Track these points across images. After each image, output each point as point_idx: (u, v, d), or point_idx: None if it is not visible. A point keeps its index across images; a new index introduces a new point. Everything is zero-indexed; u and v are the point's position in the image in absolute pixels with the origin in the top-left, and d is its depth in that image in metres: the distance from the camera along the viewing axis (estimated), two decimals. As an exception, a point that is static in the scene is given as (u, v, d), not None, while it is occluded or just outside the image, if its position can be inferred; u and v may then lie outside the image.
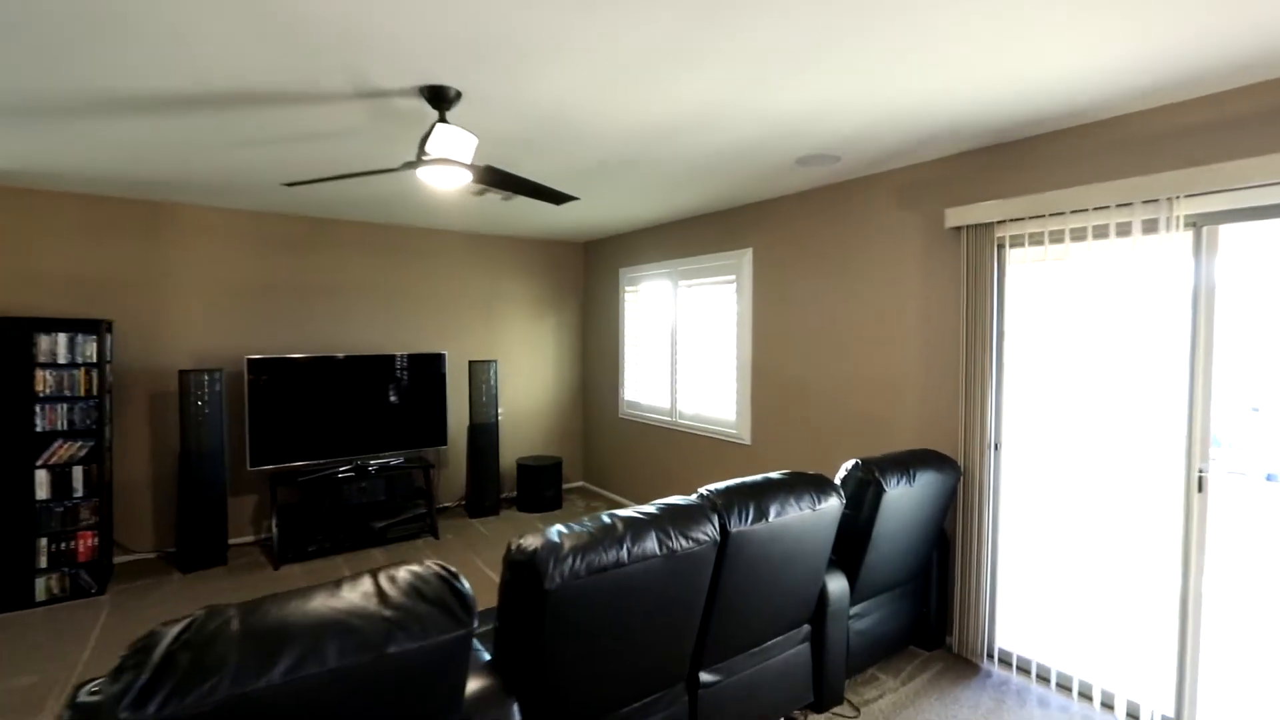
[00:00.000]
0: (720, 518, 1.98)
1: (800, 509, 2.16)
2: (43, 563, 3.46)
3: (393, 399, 4.68)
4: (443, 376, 4.90)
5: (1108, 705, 2.50)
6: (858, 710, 2.53)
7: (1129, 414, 2.40)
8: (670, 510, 1.90)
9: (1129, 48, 1.86)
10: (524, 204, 4.17)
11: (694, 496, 2.06)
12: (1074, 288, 2.56)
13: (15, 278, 3.71)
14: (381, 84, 2.14)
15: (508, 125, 2.57)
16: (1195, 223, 2.26)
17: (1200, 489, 2.28)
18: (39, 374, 3.43)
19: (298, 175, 3.37)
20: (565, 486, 5.97)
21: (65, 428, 3.50)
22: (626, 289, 5.40)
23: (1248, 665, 2.43)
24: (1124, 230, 2.39)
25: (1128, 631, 2.42)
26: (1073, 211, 2.49)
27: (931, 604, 2.96)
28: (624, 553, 1.71)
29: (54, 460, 3.47)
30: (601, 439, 5.83)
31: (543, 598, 1.59)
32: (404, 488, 4.61)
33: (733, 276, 4.29)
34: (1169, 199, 2.24)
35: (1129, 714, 2.43)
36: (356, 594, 1.29)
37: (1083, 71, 2.04)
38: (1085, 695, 2.58)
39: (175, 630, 1.15)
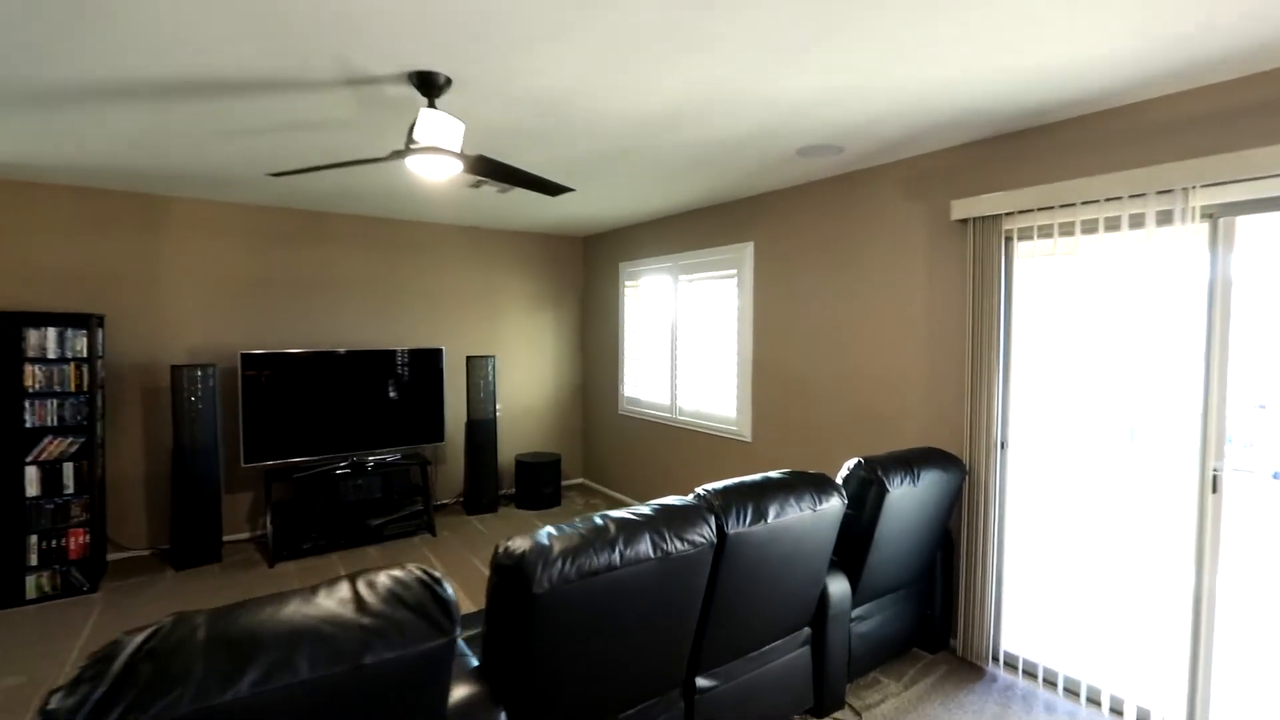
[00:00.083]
0: (717, 519, 1.92)
1: (800, 510, 2.09)
2: (33, 560, 3.43)
3: (389, 395, 4.62)
4: (440, 372, 4.83)
5: (1116, 711, 2.43)
6: (859, 714, 2.47)
7: (1141, 411, 2.33)
8: (665, 511, 1.83)
9: (1143, 32, 1.78)
10: (522, 198, 4.10)
11: (690, 497, 1.99)
12: (1084, 281, 2.48)
13: (4, 272, 3.66)
14: (370, 69, 2.07)
15: (500, 113, 2.50)
16: (1212, 214, 2.18)
17: (1215, 489, 2.20)
18: (28, 369, 3.38)
19: (289, 167, 3.31)
20: (564, 483, 5.92)
21: (55, 424, 3.46)
22: (626, 283, 5.33)
23: (1260, 672, 2.36)
24: (1137, 222, 2.31)
25: (1138, 635, 2.35)
26: (1084, 203, 2.41)
27: (935, 606, 2.90)
28: (616, 555, 1.65)
29: (44, 456, 3.43)
30: (601, 436, 5.77)
31: (531, 602, 1.53)
32: (401, 484, 4.56)
33: (734, 270, 4.21)
34: (1185, 189, 2.15)
35: (1138, 720, 2.37)
36: (333, 600, 1.23)
37: (1091, 58, 1.95)
38: (1093, 700, 2.51)
39: (139, 639, 1.09)
